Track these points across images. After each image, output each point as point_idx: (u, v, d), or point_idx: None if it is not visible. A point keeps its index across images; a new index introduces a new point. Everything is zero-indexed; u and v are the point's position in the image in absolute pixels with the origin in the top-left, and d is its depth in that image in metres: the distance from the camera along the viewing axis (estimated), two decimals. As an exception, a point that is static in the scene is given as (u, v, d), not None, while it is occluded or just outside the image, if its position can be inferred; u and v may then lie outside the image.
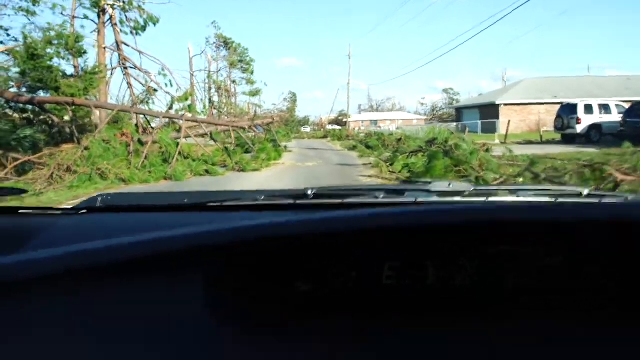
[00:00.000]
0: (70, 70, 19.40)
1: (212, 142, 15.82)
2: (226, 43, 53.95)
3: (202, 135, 15.04)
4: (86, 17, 21.55)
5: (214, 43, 53.61)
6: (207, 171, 11.10)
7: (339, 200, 1.12)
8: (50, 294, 0.68)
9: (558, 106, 33.96)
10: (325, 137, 40.62)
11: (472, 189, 1.16)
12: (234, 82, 54.91)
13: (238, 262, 0.74)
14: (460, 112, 42.61)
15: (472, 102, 41.50)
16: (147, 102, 21.23)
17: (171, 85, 22.03)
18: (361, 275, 0.77)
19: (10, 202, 1.65)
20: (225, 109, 51.88)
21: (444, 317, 0.74)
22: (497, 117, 33.54)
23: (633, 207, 0.79)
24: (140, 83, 21.18)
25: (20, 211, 1.19)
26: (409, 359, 0.67)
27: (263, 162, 13.26)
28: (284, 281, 0.76)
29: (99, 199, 1.22)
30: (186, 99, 19.92)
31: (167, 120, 13.97)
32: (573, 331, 0.72)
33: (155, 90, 21.07)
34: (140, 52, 21.53)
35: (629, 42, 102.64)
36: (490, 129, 31.31)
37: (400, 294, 0.77)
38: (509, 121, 25.01)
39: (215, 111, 53.30)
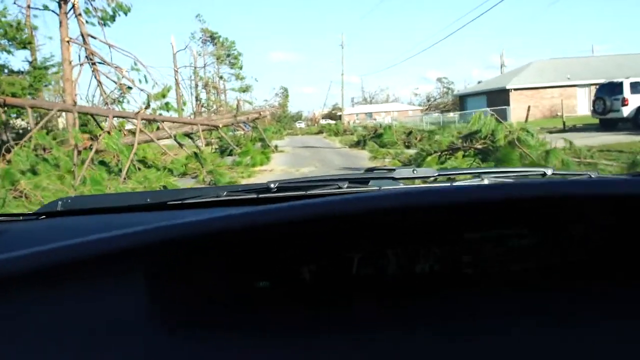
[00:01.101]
0: (23, 66, 16.55)
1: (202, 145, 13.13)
2: (212, 37, 50.89)
3: (187, 136, 12.17)
4: (46, 8, 18.80)
5: (200, 38, 50.66)
6: (164, 187, 8.03)
7: (302, 192, 1.11)
8: None
9: (573, 89, 31.82)
10: (320, 132, 37.39)
11: (437, 174, 1.16)
12: (221, 77, 52.03)
13: (185, 259, 0.72)
14: (463, 100, 39.30)
15: (477, 89, 38.27)
16: (121, 102, 18.66)
17: (146, 82, 18.93)
18: (322, 267, 0.77)
19: None
20: (214, 107, 49.05)
21: (407, 305, 0.74)
22: (508, 104, 30.51)
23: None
24: (112, 81, 18.57)
25: None
26: (378, 349, 0.64)
27: (245, 169, 10.30)
28: (236, 278, 0.75)
29: (59, 202, 1.21)
30: (163, 96, 17.15)
31: (136, 120, 11.04)
32: (538, 312, 0.69)
33: (130, 88, 18.43)
34: (109, 45, 18.67)
35: (629, 22, 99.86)
36: (500, 117, 28.34)
37: (361, 284, 0.77)
38: (529, 107, 22.00)
39: (203, 109, 50.58)
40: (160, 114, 15.43)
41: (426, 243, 0.78)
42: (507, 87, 31.32)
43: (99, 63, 18.24)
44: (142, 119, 9.98)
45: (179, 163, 9.81)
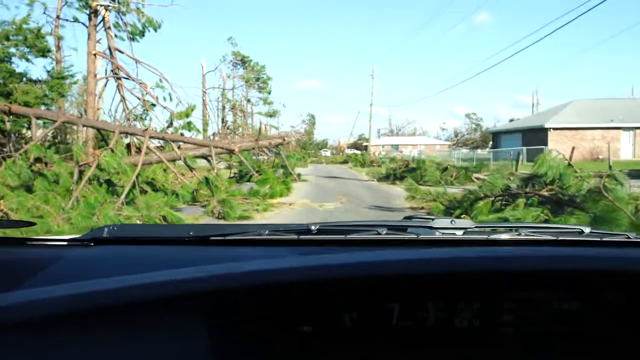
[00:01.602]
0: (41, 75, 15.87)
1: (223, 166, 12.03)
2: (243, 61, 50.76)
3: (205, 159, 11.08)
4: (76, 20, 18.37)
5: (231, 61, 50.57)
6: (164, 218, 6.77)
7: (342, 237, 1.13)
8: (52, 334, 0.68)
9: (616, 132, 30.03)
10: (345, 162, 36.17)
11: (474, 226, 1.18)
12: (248, 101, 51.62)
13: (240, 305, 0.76)
14: (496, 138, 37.57)
15: (512, 126, 36.53)
16: (143, 119, 17.92)
17: (170, 99, 18.15)
18: (363, 316, 0.80)
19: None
20: (241, 130, 48.50)
21: (443, 357, 0.78)
22: (545, 143, 28.80)
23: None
24: (136, 97, 17.88)
25: (28, 242, 1.22)
26: None
27: (262, 200, 9.07)
28: (286, 323, 0.79)
29: (106, 229, 1.23)
30: (187, 115, 16.24)
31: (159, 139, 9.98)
32: None
33: (153, 105, 17.68)
34: (136, 61, 18.07)
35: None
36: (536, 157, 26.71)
37: (400, 335, 0.81)
38: (573, 148, 20.30)
39: (229, 131, 50.09)
40: (182, 134, 14.59)
41: (466, 298, 0.82)
42: (546, 126, 29.71)
43: (124, 78, 17.67)
44: (151, 137, 8.88)
45: (187, 189, 8.62)
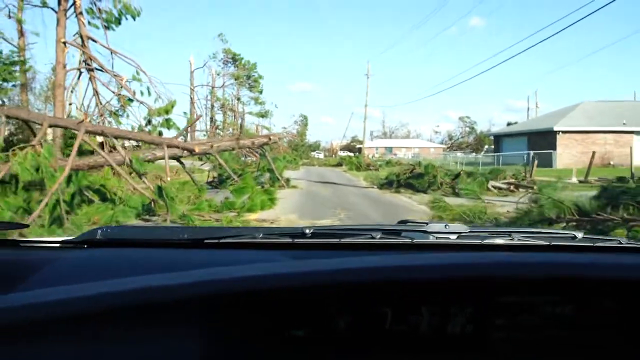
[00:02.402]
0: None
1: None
2: (234, 59, 48.29)
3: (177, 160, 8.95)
4: (44, 5, 16.20)
5: (222, 59, 48.06)
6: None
7: (336, 240, 1.14)
8: (46, 337, 0.69)
9: (628, 136, 28.12)
10: (339, 164, 33.83)
11: (468, 230, 1.18)
12: (239, 99, 49.18)
13: (233, 310, 0.77)
14: (499, 141, 35.37)
15: (517, 129, 34.31)
16: (118, 115, 15.73)
17: (149, 94, 15.79)
18: (356, 321, 0.81)
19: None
20: (231, 130, 46.19)
21: None
22: (554, 147, 26.75)
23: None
24: (111, 91, 15.70)
25: (21, 244, 1.23)
26: None
27: (238, 215, 6.89)
28: (280, 328, 0.79)
29: (99, 231, 1.22)
30: (166, 112, 14.12)
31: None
32: None
33: (130, 100, 15.46)
34: (112, 52, 15.85)
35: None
36: (543, 162, 24.51)
37: (394, 340, 0.81)
38: (594, 153, 18.29)
39: (218, 131, 47.73)
40: (161, 132, 12.50)
41: (459, 303, 0.83)
42: (555, 129, 27.47)
43: (98, 70, 15.51)
44: (87, 131, 6.65)
45: (134, 200, 6.40)
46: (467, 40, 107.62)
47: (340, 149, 65.97)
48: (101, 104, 15.27)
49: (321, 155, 56.54)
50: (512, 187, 12.55)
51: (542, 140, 27.74)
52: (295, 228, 1.18)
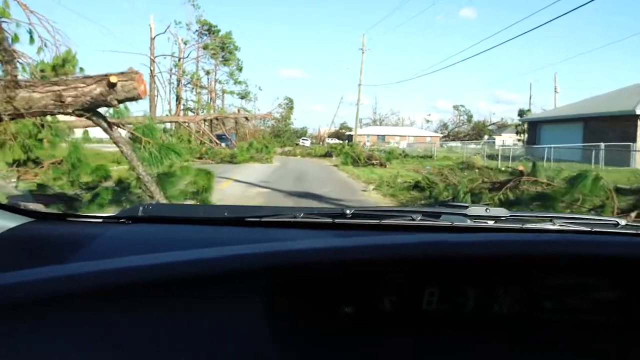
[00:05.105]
0: None
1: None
2: (210, 31, 40.67)
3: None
4: None
5: (196, 31, 40.36)
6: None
7: (376, 221, 1.13)
8: (100, 306, 0.69)
9: None
10: (328, 155, 26.53)
11: (509, 214, 1.16)
12: (208, 73, 41.68)
13: (288, 284, 0.76)
14: (534, 128, 28.12)
15: (566, 113, 25.96)
16: None
17: (31, 40, 8.23)
18: (402, 299, 0.80)
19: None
20: (204, 110, 38.77)
21: (480, 343, 0.76)
22: (633, 138, 19.42)
23: None
24: None
25: (68, 219, 1.26)
26: None
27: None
28: (328, 304, 0.79)
29: (141, 208, 1.23)
30: (63, 65, 7.04)
31: None
32: None
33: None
34: None
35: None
36: (623, 157, 17.86)
37: (440, 320, 0.80)
38: None
39: (190, 112, 40.10)
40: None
41: (506, 284, 0.81)
42: (638, 112, 19.43)
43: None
44: None
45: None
46: (460, 27, 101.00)
47: (328, 136, 59.08)
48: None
49: (307, 143, 49.06)
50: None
51: (609, 128, 20.68)
52: (334, 209, 1.19)
